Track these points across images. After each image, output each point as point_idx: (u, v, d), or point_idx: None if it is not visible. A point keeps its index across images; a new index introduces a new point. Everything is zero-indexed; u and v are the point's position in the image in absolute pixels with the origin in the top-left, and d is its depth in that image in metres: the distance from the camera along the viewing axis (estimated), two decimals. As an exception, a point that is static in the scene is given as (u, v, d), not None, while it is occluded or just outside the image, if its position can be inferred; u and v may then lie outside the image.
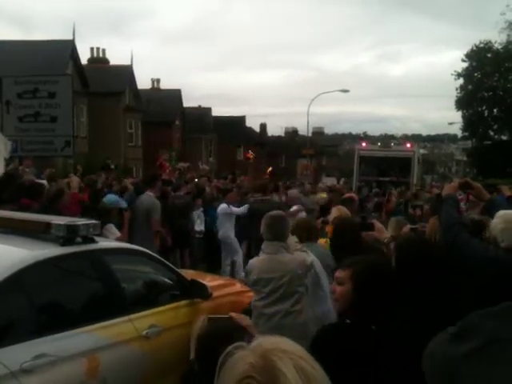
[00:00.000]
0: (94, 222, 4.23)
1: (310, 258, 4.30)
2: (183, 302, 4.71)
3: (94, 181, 9.14)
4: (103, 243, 4.35)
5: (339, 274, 2.62)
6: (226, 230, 10.19)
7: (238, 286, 6.07)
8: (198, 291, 4.81)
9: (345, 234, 4.13)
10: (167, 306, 4.56)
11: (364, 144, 22.89)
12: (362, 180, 20.62)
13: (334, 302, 2.72)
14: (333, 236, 4.36)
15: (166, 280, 4.84)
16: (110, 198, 7.60)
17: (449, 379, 1.23)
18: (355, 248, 3.83)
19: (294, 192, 10.87)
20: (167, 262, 4.95)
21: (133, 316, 4.09)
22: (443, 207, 3.64)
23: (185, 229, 9.85)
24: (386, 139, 28.46)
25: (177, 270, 5.03)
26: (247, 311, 5.63)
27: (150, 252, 4.89)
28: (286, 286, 4.09)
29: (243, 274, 10.56)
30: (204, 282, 4.96)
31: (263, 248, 4.27)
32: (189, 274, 5.37)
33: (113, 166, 14.73)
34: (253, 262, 4.36)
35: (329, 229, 5.41)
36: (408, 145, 22.59)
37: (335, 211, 5.64)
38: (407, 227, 4.82)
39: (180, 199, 10.05)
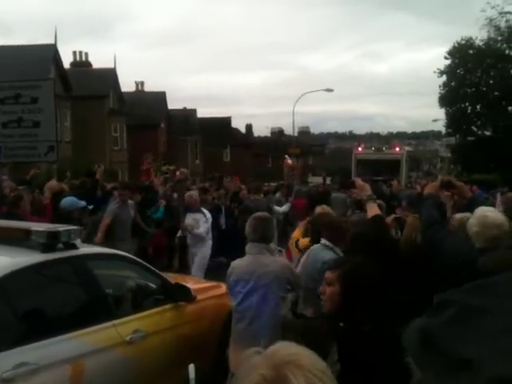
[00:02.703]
0: (75, 227, 4.21)
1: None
2: (167, 306, 4.71)
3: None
4: (85, 249, 4.32)
5: (328, 274, 2.63)
6: None
7: (223, 289, 6.06)
8: (181, 295, 4.81)
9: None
10: (151, 311, 4.55)
11: (360, 149, 27.03)
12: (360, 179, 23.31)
13: (323, 303, 2.70)
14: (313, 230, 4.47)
15: (150, 284, 4.82)
16: (68, 199, 7.56)
17: (428, 344, 1.34)
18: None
19: (193, 194, 8.88)
20: (150, 266, 4.94)
21: (116, 321, 4.07)
22: (423, 206, 3.68)
23: (173, 229, 10.08)
24: (380, 145, 31.06)
25: (160, 273, 5.02)
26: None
27: (132, 257, 4.89)
28: (265, 289, 4.01)
29: None
30: (188, 285, 4.96)
31: (247, 249, 4.24)
32: (173, 277, 5.36)
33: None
34: (234, 263, 4.31)
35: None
36: (397, 148, 26.76)
37: (319, 210, 5.68)
38: (391, 217, 4.85)
39: (175, 201, 10.56)
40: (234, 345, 4.05)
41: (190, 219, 8.35)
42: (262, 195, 11.99)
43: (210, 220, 8.64)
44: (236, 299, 4.15)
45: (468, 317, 1.29)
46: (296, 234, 5.74)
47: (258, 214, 4.38)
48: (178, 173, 13.55)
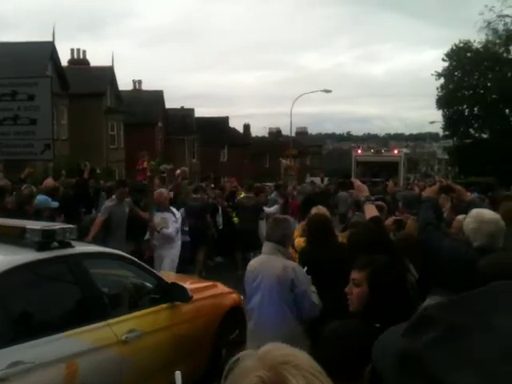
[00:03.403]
0: (70, 226, 4.18)
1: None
2: (163, 306, 4.68)
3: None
4: (80, 247, 4.29)
5: (355, 275, 2.59)
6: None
7: (220, 288, 6.05)
8: (178, 294, 4.78)
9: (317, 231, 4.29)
10: (147, 310, 4.52)
11: (360, 151, 27.79)
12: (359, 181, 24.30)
13: (349, 303, 2.67)
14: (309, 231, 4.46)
15: (146, 283, 4.80)
16: (40, 199, 7.56)
17: (410, 368, 1.26)
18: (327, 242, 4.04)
19: (163, 192, 8.53)
20: (146, 266, 4.91)
21: (112, 321, 4.05)
22: (421, 209, 3.69)
23: (200, 229, 10.47)
24: (377, 147, 32.34)
25: (157, 273, 4.99)
26: (230, 313, 5.64)
27: (128, 256, 4.86)
28: (267, 290, 3.94)
29: None
30: (184, 285, 4.94)
31: (262, 248, 4.26)
32: (169, 276, 5.33)
33: (98, 171, 14.53)
34: (250, 261, 4.34)
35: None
36: (395, 151, 27.75)
37: (314, 210, 5.66)
38: (391, 219, 4.84)
39: (195, 201, 10.83)
40: (247, 344, 4.07)
41: (158, 218, 7.99)
42: (252, 194, 11.93)
43: (180, 220, 8.33)
44: (246, 298, 4.17)
45: (455, 338, 1.20)
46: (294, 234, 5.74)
47: (278, 215, 4.39)
48: (178, 171, 13.49)
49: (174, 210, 8.22)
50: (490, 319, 1.21)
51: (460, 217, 3.97)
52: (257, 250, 10.80)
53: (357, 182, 4.04)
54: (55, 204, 7.66)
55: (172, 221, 7.95)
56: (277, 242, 4.02)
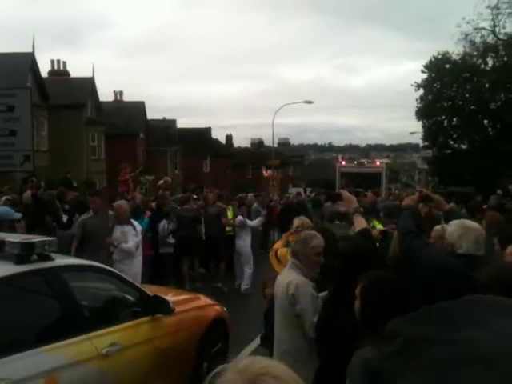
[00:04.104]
0: (50, 238, 4.13)
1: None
2: (145, 319, 4.63)
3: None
4: (60, 260, 4.23)
5: (356, 289, 2.64)
6: (242, 242, 10.86)
7: (202, 301, 6.01)
8: (160, 307, 4.74)
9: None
10: (128, 323, 4.46)
11: (344, 162, 29.03)
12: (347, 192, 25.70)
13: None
14: None
15: (127, 296, 4.74)
16: (2, 209, 7.47)
17: (372, 379, 1.28)
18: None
19: (122, 204, 8.03)
20: (127, 278, 4.86)
21: (92, 334, 3.99)
22: (401, 217, 3.71)
23: (190, 238, 10.66)
24: (358, 157, 33.65)
25: (139, 286, 4.94)
26: (213, 326, 5.60)
27: (109, 268, 4.81)
28: (276, 304, 3.83)
29: (249, 283, 10.70)
30: (166, 298, 4.89)
31: None
32: (152, 289, 5.28)
33: (75, 184, 14.38)
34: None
35: (292, 239, 5.44)
36: (378, 162, 29.07)
37: (297, 221, 5.67)
38: (377, 230, 4.85)
39: (187, 212, 10.98)
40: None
41: (117, 232, 7.54)
42: (224, 203, 11.98)
43: (141, 233, 7.90)
44: None
45: (411, 350, 1.23)
46: (277, 244, 5.72)
47: (309, 231, 4.06)
48: (161, 181, 13.43)
49: (134, 222, 7.81)
50: (451, 333, 1.23)
51: (438, 227, 4.01)
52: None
53: (345, 194, 4.05)
54: (17, 215, 7.54)
55: (132, 234, 7.53)
56: (293, 256, 3.91)
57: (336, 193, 4.77)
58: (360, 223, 3.62)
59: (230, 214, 11.92)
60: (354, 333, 2.56)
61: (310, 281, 3.74)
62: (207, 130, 52.69)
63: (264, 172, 38.40)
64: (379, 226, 8.38)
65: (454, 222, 3.36)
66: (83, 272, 4.58)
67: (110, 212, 8.08)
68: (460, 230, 3.25)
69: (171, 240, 10.47)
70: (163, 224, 10.39)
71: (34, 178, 9.94)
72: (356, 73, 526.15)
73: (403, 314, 2.52)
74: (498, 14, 32.80)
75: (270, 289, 4.63)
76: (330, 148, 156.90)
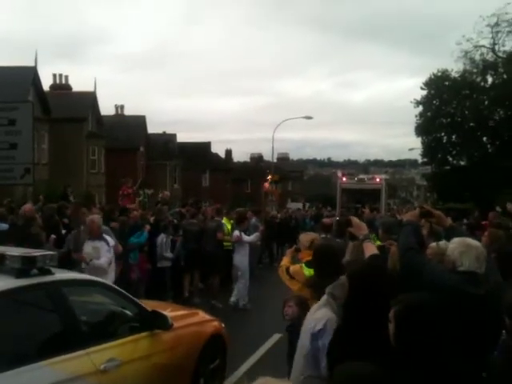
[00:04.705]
0: (51, 253, 4.15)
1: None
2: (143, 334, 4.63)
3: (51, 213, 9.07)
4: (60, 274, 4.24)
5: (390, 313, 2.64)
6: (240, 257, 10.86)
7: (201, 316, 6.00)
8: (158, 322, 4.74)
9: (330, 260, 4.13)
10: (126, 339, 4.46)
11: (344, 179, 29.58)
12: (344, 207, 26.37)
13: None
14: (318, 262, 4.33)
15: (126, 311, 4.74)
16: None
17: None
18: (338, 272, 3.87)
19: (95, 218, 7.72)
20: (127, 294, 4.86)
21: (90, 349, 3.98)
22: (401, 233, 3.73)
23: (197, 252, 11.00)
24: (358, 172, 34.01)
25: (137, 301, 4.94)
26: (211, 342, 5.59)
27: (109, 283, 4.82)
28: (301, 344, 3.56)
29: (247, 299, 10.74)
30: (165, 313, 4.89)
31: None
32: (150, 304, 5.28)
33: (71, 198, 14.40)
34: None
35: (303, 255, 5.43)
36: (378, 179, 29.43)
37: (306, 237, 5.66)
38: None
39: (193, 226, 11.31)
40: None
41: (89, 248, 7.19)
42: (220, 218, 12.11)
43: (112, 249, 7.48)
44: None
45: None
46: (284, 261, 5.66)
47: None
48: (160, 195, 13.47)
49: (107, 238, 7.45)
50: None
51: (433, 244, 4.03)
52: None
53: (355, 220, 4.05)
54: (3, 226, 7.54)
55: (105, 250, 7.19)
56: (331, 297, 3.53)
57: (347, 219, 4.70)
58: (370, 249, 3.61)
59: (229, 228, 11.94)
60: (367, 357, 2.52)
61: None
62: (207, 145, 52.89)
63: (265, 185, 38.46)
64: (377, 242, 8.35)
65: (456, 240, 3.39)
66: (83, 286, 4.60)
67: (105, 227, 8.00)
68: (461, 248, 3.29)
69: (169, 254, 10.49)
70: (161, 238, 10.40)
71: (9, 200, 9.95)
72: (356, 89, 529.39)
73: (437, 336, 2.56)
74: (497, 32, 33.18)
75: (291, 308, 4.47)
76: (330, 163, 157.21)
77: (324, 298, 3.52)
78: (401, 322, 2.55)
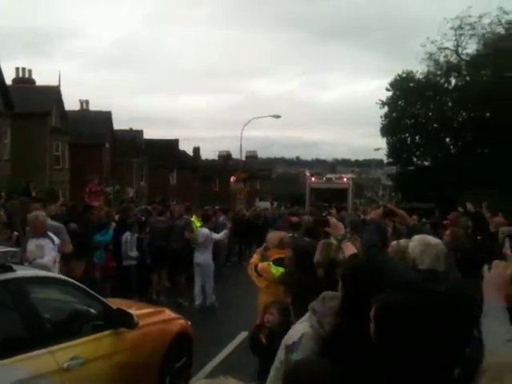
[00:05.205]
0: (12, 249, 4.06)
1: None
2: (107, 332, 4.57)
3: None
4: (22, 272, 4.15)
5: (371, 312, 2.67)
6: (206, 255, 10.70)
7: (167, 314, 5.97)
8: (123, 320, 4.69)
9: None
10: (91, 337, 4.40)
11: (313, 179, 31.18)
12: (313, 205, 27.62)
13: None
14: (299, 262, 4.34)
15: (90, 310, 4.68)
16: None
17: None
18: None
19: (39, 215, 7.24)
20: (91, 292, 4.79)
21: (53, 348, 3.92)
22: (364, 231, 3.79)
23: (164, 250, 10.80)
24: (325, 171, 35.74)
25: (102, 299, 4.88)
26: (177, 340, 5.56)
27: (73, 281, 4.74)
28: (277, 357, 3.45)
29: (214, 297, 10.66)
30: (130, 311, 4.84)
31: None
32: (115, 302, 5.22)
33: (34, 194, 14.10)
34: None
35: (272, 253, 5.45)
36: (345, 179, 31.13)
37: (274, 235, 5.69)
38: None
39: (161, 223, 11.15)
40: None
41: (32, 246, 6.73)
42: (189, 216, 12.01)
43: (57, 247, 7.05)
44: None
45: None
46: (254, 259, 5.72)
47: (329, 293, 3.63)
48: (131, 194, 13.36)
49: (51, 235, 7.03)
50: None
51: (394, 242, 4.11)
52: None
53: (333, 221, 4.11)
54: None
55: (49, 248, 6.79)
56: (312, 312, 3.43)
57: (323, 219, 4.71)
58: (349, 249, 3.68)
59: (197, 226, 11.90)
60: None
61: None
62: (175, 142, 52.41)
63: (232, 178, 38.47)
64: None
65: (416, 238, 3.44)
66: (46, 284, 4.51)
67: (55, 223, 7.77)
68: (421, 246, 3.33)
69: (134, 253, 10.36)
70: (126, 236, 10.27)
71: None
72: (324, 89, 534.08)
73: (417, 335, 2.60)
74: (460, 35, 33.90)
75: (272, 315, 4.23)
76: (298, 162, 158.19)
77: (307, 313, 3.43)
78: (380, 320, 2.59)
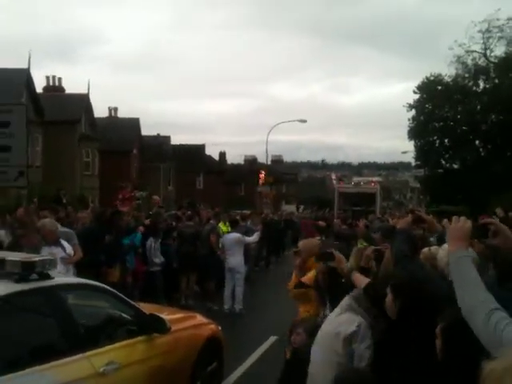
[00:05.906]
0: (50, 258, 4.17)
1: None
2: (141, 338, 4.66)
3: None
4: (60, 279, 4.27)
5: (437, 329, 2.62)
6: (239, 260, 10.77)
7: (198, 319, 6.04)
8: (156, 326, 4.77)
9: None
10: (125, 342, 4.49)
11: (341, 183, 31.62)
12: (341, 209, 27.63)
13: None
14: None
15: (124, 315, 4.77)
16: None
17: None
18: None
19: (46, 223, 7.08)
20: (125, 297, 4.89)
21: (89, 353, 4.01)
22: (395, 241, 3.78)
23: (192, 255, 10.89)
24: (351, 174, 35.93)
25: (135, 304, 4.97)
26: (208, 345, 5.62)
27: (106, 287, 4.84)
28: (327, 350, 3.38)
29: (242, 304, 10.63)
30: (162, 316, 4.92)
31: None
32: (147, 307, 5.31)
33: (65, 201, 14.36)
34: None
35: (310, 264, 5.31)
36: (373, 183, 31.37)
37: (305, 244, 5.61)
38: (370, 249, 4.89)
39: (189, 228, 11.28)
40: None
41: (45, 254, 6.30)
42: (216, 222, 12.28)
43: (67, 254, 6.90)
44: None
45: None
46: (293, 280, 5.29)
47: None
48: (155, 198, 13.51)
49: (63, 243, 6.93)
50: None
51: (425, 249, 4.07)
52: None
53: (337, 255, 4.06)
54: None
55: (61, 256, 6.70)
56: (355, 301, 3.37)
57: (328, 253, 4.57)
58: (359, 280, 3.62)
59: (224, 230, 11.99)
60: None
61: None
62: (201, 147, 52.84)
63: (260, 177, 38.71)
64: (363, 244, 8.25)
65: (445, 247, 3.39)
66: (81, 290, 4.62)
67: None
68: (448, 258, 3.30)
69: (158, 259, 10.39)
70: (150, 242, 10.33)
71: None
72: (349, 92, 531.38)
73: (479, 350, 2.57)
74: (488, 38, 33.44)
75: (299, 335, 4.07)
76: (323, 166, 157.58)
77: (345, 303, 3.38)
78: (448, 337, 2.54)
